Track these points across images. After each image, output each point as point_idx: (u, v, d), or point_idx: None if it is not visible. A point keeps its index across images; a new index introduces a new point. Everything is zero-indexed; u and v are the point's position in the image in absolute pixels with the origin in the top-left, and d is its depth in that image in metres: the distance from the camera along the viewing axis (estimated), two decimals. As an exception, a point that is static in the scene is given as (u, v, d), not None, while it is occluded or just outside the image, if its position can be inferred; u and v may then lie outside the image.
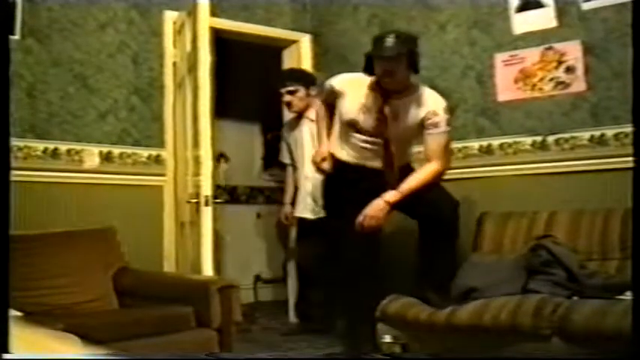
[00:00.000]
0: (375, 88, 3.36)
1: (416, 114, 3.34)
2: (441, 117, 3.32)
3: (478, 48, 4.16)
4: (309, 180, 4.28)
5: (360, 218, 3.32)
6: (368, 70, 3.33)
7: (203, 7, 3.95)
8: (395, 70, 3.23)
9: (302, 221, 4.42)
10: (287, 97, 4.33)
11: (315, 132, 3.97)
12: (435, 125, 3.32)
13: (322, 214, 3.94)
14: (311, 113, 4.23)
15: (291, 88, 4.32)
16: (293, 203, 4.49)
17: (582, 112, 3.77)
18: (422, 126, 3.34)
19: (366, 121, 3.39)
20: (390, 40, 3.20)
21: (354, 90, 3.41)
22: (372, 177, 3.42)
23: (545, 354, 2.93)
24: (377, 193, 3.33)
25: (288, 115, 4.63)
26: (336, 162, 3.54)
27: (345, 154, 3.51)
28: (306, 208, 4.33)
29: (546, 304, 2.98)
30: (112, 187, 4.13)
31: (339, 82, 3.50)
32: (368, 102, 3.37)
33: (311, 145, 4.24)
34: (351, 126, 3.44)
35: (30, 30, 3.88)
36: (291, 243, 4.80)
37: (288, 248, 4.91)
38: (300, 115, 4.41)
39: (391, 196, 3.31)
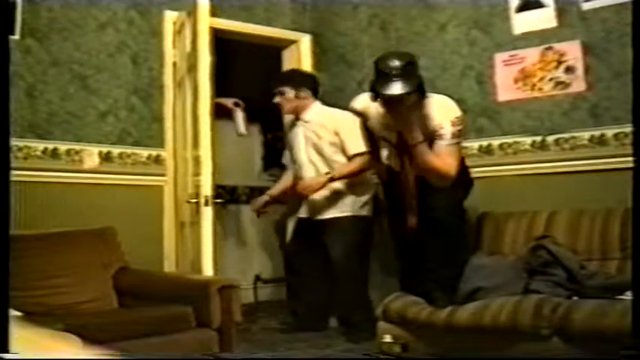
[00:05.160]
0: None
1: (427, 125, 3.33)
2: (447, 130, 3.28)
3: (478, 48, 4.16)
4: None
5: None
6: (374, 91, 3.31)
7: (203, 7, 3.95)
8: (405, 103, 3.23)
9: (297, 221, 4.44)
10: (276, 99, 4.26)
11: (308, 134, 4.18)
12: (441, 137, 3.30)
13: (315, 215, 4.19)
14: (305, 115, 4.21)
15: (279, 89, 4.24)
16: (280, 201, 4.58)
17: (582, 112, 3.77)
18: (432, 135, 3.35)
19: (390, 135, 3.48)
20: (395, 80, 3.14)
21: (374, 107, 3.46)
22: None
23: (545, 354, 2.93)
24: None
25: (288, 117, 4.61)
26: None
27: (392, 164, 3.68)
28: (302, 208, 4.35)
29: (546, 304, 2.98)
30: (112, 187, 4.12)
31: (359, 103, 3.63)
32: (386, 119, 3.42)
33: (304, 148, 4.22)
34: (386, 140, 3.59)
35: (30, 30, 3.87)
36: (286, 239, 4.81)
37: (283, 245, 4.91)
38: (296, 117, 4.37)
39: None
